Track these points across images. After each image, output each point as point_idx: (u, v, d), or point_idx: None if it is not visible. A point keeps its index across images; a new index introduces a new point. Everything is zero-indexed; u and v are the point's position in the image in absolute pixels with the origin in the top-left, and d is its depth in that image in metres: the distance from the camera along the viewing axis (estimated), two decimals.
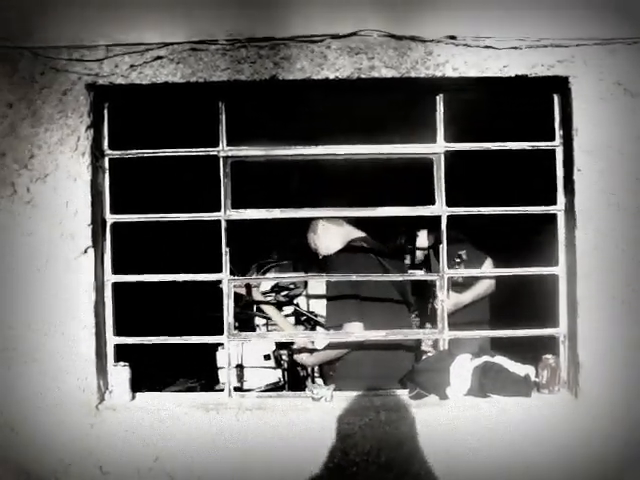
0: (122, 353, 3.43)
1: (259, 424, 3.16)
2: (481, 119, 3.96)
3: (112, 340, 3.37)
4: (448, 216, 3.31)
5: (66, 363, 3.20)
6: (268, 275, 5.88)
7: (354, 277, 3.39)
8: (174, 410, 3.24)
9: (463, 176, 4.09)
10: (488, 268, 4.32)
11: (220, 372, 4.99)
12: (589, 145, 3.13)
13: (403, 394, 3.34)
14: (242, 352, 4.79)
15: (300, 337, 3.83)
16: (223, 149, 3.32)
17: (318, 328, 4.02)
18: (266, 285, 5.28)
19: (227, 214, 3.32)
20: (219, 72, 3.17)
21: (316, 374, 4.22)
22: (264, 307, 4.04)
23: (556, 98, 3.30)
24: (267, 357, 4.66)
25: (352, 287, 3.51)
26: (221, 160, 3.32)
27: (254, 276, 5.61)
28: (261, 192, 5.01)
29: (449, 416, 3.15)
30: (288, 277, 3.79)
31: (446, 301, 3.37)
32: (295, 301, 5.39)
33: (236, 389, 4.75)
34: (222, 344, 3.54)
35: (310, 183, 5.52)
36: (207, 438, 3.16)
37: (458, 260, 4.25)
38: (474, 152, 3.35)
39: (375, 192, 4.14)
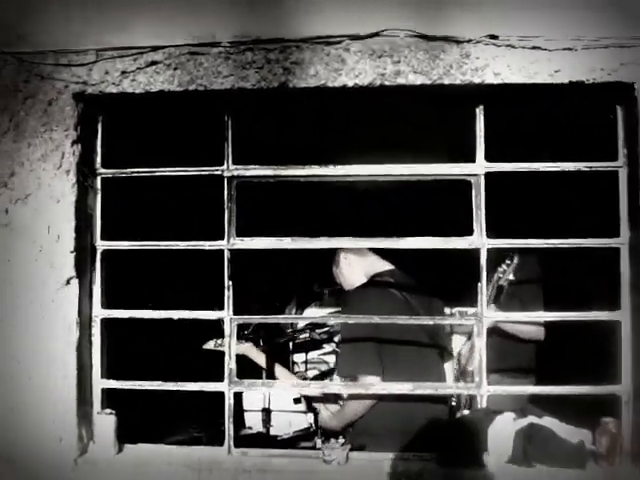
0: (119, 395, 3.03)
1: None
2: (528, 135, 3.44)
3: (99, 384, 2.96)
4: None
5: (44, 411, 2.80)
6: (308, 310, 5.52)
7: (376, 319, 2.89)
8: (163, 468, 2.80)
9: (504, 203, 3.55)
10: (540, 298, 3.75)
11: (247, 415, 4.59)
12: None
13: (430, 458, 2.83)
14: (269, 394, 4.39)
15: (312, 389, 3.34)
16: (228, 168, 2.90)
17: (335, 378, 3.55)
18: (301, 322, 4.89)
19: (231, 242, 2.88)
20: (221, 79, 2.76)
21: None
22: (253, 356, 3.54)
23: (619, 109, 2.77)
24: (297, 400, 4.24)
25: (370, 329, 3.02)
26: (225, 181, 2.90)
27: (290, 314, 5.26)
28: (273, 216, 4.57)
29: None
30: (285, 318, 3.27)
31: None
32: (336, 338, 4.97)
33: (262, 435, 4.36)
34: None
35: (329, 207, 5.02)
36: None
37: (506, 265, 3.70)
38: (523, 176, 2.85)
39: (404, 219, 3.65)
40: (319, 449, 2.99)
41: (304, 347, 4.82)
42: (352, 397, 3.16)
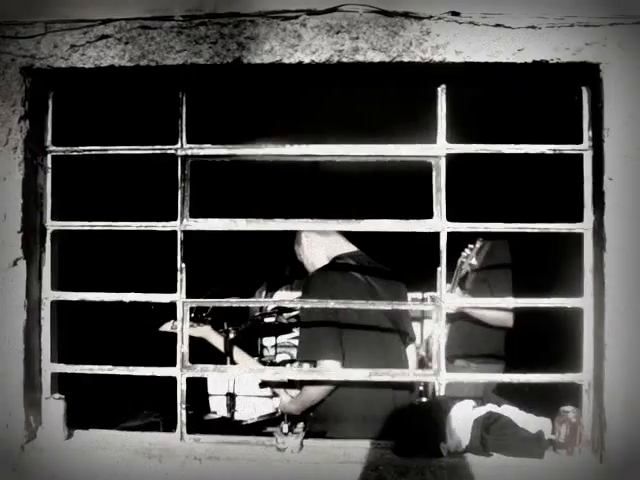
0: (75, 380, 2.94)
1: (208, 477, 2.62)
2: (491, 118, 3.34)
3: (49, 368, 2.87)
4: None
5: None
6: (278, 293, 5.44)
7: (332, 303, 2.81)
8: (112, 455, 2.72)
9: (466, 186, 3.45)
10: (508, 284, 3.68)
11: (212, 400, 4.52)
12: (624, 149, 2.51)
13: (387, 447, 2.76)
14: (234, 379, 4.34)
15: (268, 374, 3.25)
16: (182, 147, 2.79)
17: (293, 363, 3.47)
18: (269, 305, 4.81)
19: (184, 224, 2.79)
20: (174, 54, 2.64)
21: None
22: (212, 339, 3.44)
23: (584, 91, 2.68)
24: (263, 385, 4.17)
25: (330, 313, 2.94)
26: (179, 160, 2.80)
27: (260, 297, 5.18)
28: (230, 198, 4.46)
29: (441, 478, 2.57)
30: (238, 302, 3.16)
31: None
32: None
33: (227, 420, 4.30)
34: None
35: (290, 189, 4.92)
36: None
37: (469, 249, 3.62)
38: (481, 157, 2.77)
39: (367, 202, 3.56)
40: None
41: (273, 331, 4.75)
42: (312, 381, 3.09)
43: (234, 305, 2.99)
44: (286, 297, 5.03)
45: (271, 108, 3.46)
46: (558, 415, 2.66)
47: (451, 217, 2.73)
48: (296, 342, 4.80)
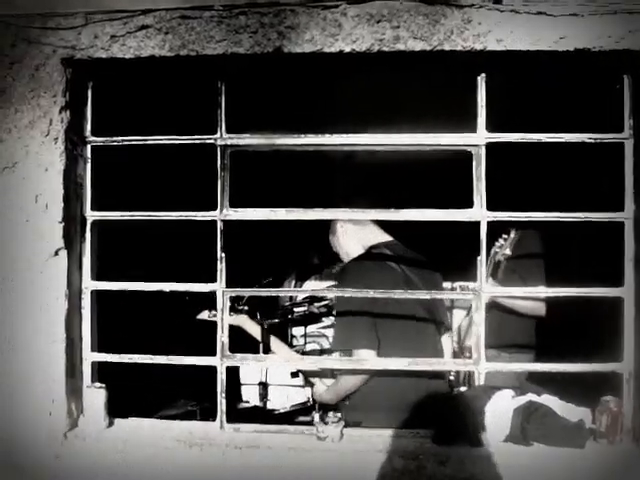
0: (111, 368, 2.97)
1: (249, 466, 2.63)
2: (532, 106, 3.32)
3: (90, 357, 2.89)
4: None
5: (33, 385, 2.74)
6: (307, 283, 5.44)
7: (371, 293, 2.81)
8: (153, 443, 2.74)
9: (507, 176, 3.43)
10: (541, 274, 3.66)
11: (244, 389, 4.53)
12: None
13: (426, 436, 2.76)
14: (267, 368, 4.34)
15: (306, 363, 3.26)
16: (221, 137, 2.80)
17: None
18: (300, 295, 4.80)
19: (224, 213, 2.80)
20: (214, 44, 2.65)
21: None
22: (249, 328, 3.46)
23: (626, 79, 2.66)
24: (295, 374, 4.19)
25: (366, 303, 2.94)
26: (219, 150, 2.80)
27: (289, 287, 5.18)
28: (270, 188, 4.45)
29: (481, 467, 2.56)
30: (277, 291, 3.18)
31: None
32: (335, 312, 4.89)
33: (259, 409, 4.32)
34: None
35: (329, 179, 4.90)
36: None
37: (503, 239, 3.61)
38: (524, 147, 2.75)
39: (408, 192, 3.53)
40: (313, 425, 2.93)
41: (303, 320, 4.76)
42: (347, 371, 3.10)
43: (272, 295, 3.00)
44: (315, 287, 5.03)
45: (310, 98, 3.46)
46: (599, 405, 2.66)
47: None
48: (325, 332, 4.84)
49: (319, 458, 2.64)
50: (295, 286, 5.21)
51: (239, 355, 2.85)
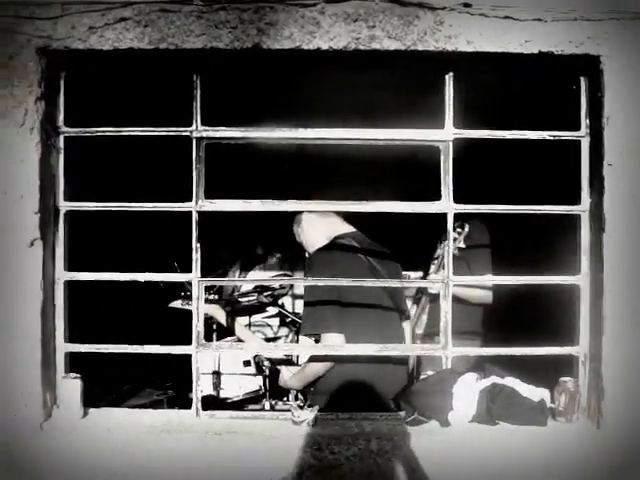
0: (77, 358, 2.97)
1: (230, 451, 2.70)
2: (497, 105, 3.49)
3: (63, 348, 2.90)
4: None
5: (8, 376, 2.73)
6: (252, 273, 5.50)
7: (341, 281, 2.92)
8: (131, 431, 2.77)
9: (472, 170, 3.59)
10: (488, 263, 3.85)
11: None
12: (623, 136, 2.69)
13: (397, 418, 2.90)
14: (219, 357, 4.38)
15: (279, 350, 3.35)
16: (197, 129, 2.85)
17: (301, 338, 3.55)
18: (247, 285, 4.86)
19: (199, 205, 2.85)
20: (193, 38, 2.70)
21: None
22: (219, 317, 3.53)
23: (583, 81, 2.85)
24: (247, 363, 4.26)
25: (332, 291, 3.03)
26: (194, 141, 2.85)
27: (233, 277, 5.23)
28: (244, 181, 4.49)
29: (451, 446, 2.71)
30: (252, 281, 3.27)
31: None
32: (280, 301, 4.97)
33: (211, 398, 4.36)
34: None
35: (299, 172, 4.98)
36: (168, 467, 2.70)
37: (457, 233, 3.76)
38: (487, 143, 2.91)
39: (376, 186, 3.66)
40: (284, 410, 3.02)
41: (248, 310, 4.82)
42: (313, 357, 3.20)
43: (247, 283, 3.06)
44: (261, 276, 5.11)
45: (287, 93, 3.53)
46: (557, 385, 2.84)
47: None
48: (270, 321, 4.92)
49: (298, 441, 2.73)
50: (239, 276, 5.27)
51: (214, 343, 2.94)
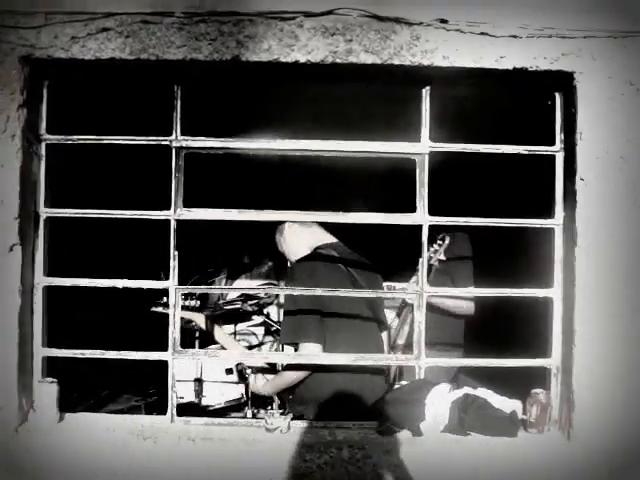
0: (59, 364, 3.00)
1: (204, 458, 2.73)
2: (472, 119, 3.54)
3: (41, 352, 2.93)
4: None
5: None
6: (238, 281, 5.52)
7: (318, 291, 2.95)
8: (107, 437, 2.80)
9: (449, 183, 3.64)
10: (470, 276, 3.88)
11: (179, 385, 4.57)
12: (595, 152, 2.73)
13: (370, 427, 2.92)
14: (201, 365, 4.39)
15: (256, 358, 3.38)
16: (176, 138, 2.89)
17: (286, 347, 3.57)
18: (233, 293, 4.88)
19: (178, 213, 2.89)
20: (174, 49, 2.74)
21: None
22: (198, 321, 3.57)
23: (558, 97, 2.90)
24: (229, 371, 4.26)
25: (313, 301, 3.07)
26: (173, 151, 2.89)
27: (220, 285, 5.25)
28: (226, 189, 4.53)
29: (423, 455, 2.74)
30: (231, 289, 3.31)
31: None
32: (265, 310, 4.99)
33: (193, 405, 4.37)
34: None
35: (277, 183, 5.02)
36: (142, 472, 2.72)
37: (438, 245, 3.79)
38: (463, 157, 2.96)
39: (354, 197, 3.70)
40: (260, 418, 3.05)
41: (233, 318, 4.83)
42: (289, 366, 3.23)
43: (224, 292, 3.09)
44: (247, 285, 5.12)
45: (259, 105, 3.58)
46: (529, 397, 2.87)
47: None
48: (255, 330, 4.93)
49: (271, 448, 2.76)
50: (226, 284, 5.29)
51: (191, 350, 2.95)
